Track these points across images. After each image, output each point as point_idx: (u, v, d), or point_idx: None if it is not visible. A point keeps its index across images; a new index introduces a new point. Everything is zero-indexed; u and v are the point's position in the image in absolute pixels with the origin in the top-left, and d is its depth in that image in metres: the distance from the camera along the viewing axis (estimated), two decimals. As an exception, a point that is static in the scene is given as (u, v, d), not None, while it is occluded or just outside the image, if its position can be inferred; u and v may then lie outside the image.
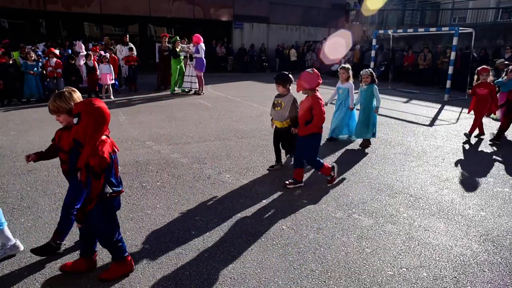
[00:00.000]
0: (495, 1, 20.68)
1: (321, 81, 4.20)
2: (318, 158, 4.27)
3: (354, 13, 24.56)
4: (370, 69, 5.98)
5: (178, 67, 11.59)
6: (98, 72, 10.45)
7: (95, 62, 10.51)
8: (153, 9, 18.48)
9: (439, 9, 23.91)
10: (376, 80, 5.94)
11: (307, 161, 4.29)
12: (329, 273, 2.70)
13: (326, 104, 5.71)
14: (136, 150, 5.62)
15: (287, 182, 4.31)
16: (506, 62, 9.91)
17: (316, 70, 4.31)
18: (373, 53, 14.16)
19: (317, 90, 4.20)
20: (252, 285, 2.55)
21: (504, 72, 9.10)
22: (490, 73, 6.74)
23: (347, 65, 6.41)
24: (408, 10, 23.73)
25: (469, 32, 12.07)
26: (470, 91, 6.97)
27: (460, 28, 11.59)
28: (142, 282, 2.55)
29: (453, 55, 11.11)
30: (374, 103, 5.91)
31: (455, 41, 11.03)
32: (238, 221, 3.45)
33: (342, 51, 18.73)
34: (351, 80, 6.24)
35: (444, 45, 15.80)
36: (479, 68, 6.62)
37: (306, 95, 4.23)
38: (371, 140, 6.04)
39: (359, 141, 6.27)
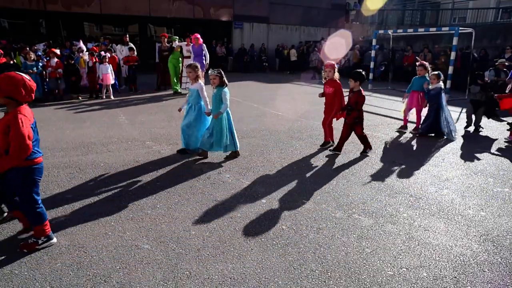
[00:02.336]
0: (495, 1, 20.68)
1: (30, 90, 2.76)
2: (39, 207, 2.87)
3: (354, 13, 24.55)
4: (218, 69, 5.04)
5: (176, 67, 11.54)
6: (97, 74, 10.47)
7: (94, 64, 10.54)
8: (153, 9, 18.46)
9: (439, 9, 23.91)
10: (227, 82, 5.02)
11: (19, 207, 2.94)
12: (329, 273, 2.70)
13: (179, 110, 5.40)
14: (136, 150, 5.62)
15: None
16: (506, 63, 9.91)
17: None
18: (373, 53, 14.16)
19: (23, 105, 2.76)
20: (252, 285, 2.55)
21: (504, 73, 9.10)
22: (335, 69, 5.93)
23: (196, 63, 5.35)
24: (408, 10, 23.73)
25: (469, 32, 12.07)
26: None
27: (460, 28, 11.59)
28: (142, 282, 2.55)
29: (453, 55, 11.11)
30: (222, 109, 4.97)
31: (455, 41, 11.03)
32: (238, 221, 3.45)
33: (342, 51, 18.72)
34: (201, 80, 5.22)
35: (444, 45, 15.80)
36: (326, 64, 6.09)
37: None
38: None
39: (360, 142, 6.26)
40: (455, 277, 2.68)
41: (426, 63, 7.08)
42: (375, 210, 3.74)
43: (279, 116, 8.42)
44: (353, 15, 24.64)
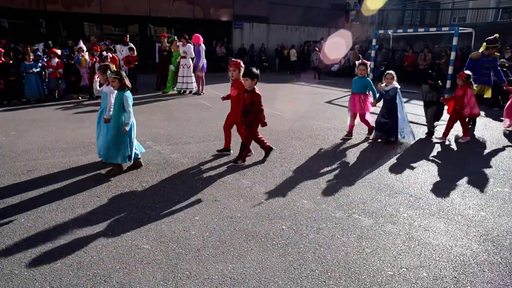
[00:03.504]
0: (495, 1, 20.68)
1: None
2: None
3: (354, 13, 24.56)
4: (117, 71, 4.62)
5: (174, 67, 11.54)
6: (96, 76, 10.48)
7: (93, 63, 10.56)
8: (153, 9, 18.47)
9: (439, 9, 23.91)
10: (129, 85, 4.59)
11: None
12: (329, 273, 2.70)
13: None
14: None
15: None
16: (506, 64, 9.91)
17: None
18: (373, 53, 14.16)
19: None
20: (252, 285, 2.55)
21: (504, 73, 9.11)
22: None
23: (107, 64, 4.88)
24: (408, 10, 23.73)
25: (469, 32, 12.07)
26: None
27: (460, 28, 11.59)
28: (142, 282, 2.55)
29: (453, 55, 11.10)
30: (124, 117, 4.48)
31: (455, 41, 11.02)
32: (238, 221, 3.45)
33: (342, 51, 18.73)
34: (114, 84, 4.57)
35: (444, 45, 15.80)
36: None
37: None
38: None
39: (360, 141, 6.27)
40: (455, 277, 2.68)
41: (368, 62, 6.51)
42: (375, 210, 3.74)
43: (279, 116, 8.42)
44: (353, 15, 24.64)
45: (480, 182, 4.57)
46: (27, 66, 9.58)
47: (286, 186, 4.30)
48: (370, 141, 6.38)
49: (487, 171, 5.00)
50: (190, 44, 11.27)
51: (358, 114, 6.48)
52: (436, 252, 2.99)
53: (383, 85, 6.25)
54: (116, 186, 4.21)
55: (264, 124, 4.99)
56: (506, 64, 10.48)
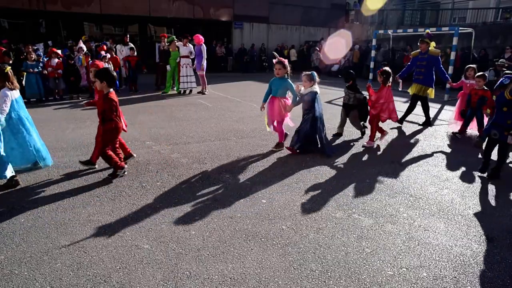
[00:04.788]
0: (495, 1, 20.67)
1: None
2: None
3: (353, 13, 24.57)
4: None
5: (174, 68, 11.55)
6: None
7: (88, 63, 10.57)
8: (153, 9, 18.48)
9: (439, 9, 23.91)
10: (11, 85, 4.10)
11: None
12: (329, 273, 2.70)
13: None
14: (136, 150, 5.62)
15: None
16: (506, 64, 9.91)
17: None
18: (373, 53, 14.16)
19: None
20: (252, 285, 2.55)
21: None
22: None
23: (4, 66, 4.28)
24: (408, 10, 23.74)
25: (469, 32, 12.07)
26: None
27: (460, 28, 11.59)
28: (142, 282, 2.55)
29: (453, 55, 11.11)
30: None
31: (455, 41, 11.03)
32: (238, 221, 3.45)
33: (342, 51, 18.73)
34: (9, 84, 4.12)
35: (444, 45, 15.80)
36: None
37: None
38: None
39: (359, 142, 6.26)
40: (455, 277, 2.68)
41: (285, 61, 5.54)
42: (375, 210, 3.74)
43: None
44: (352, 15, 24.65)
45: (480, 182, 4.57)
46: (29, 66, 9.58)
47: (286, 186, 4.30)
48: (288, 152, 5.54)
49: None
50: (190, 45, 11.30)
51: (276, 121, 5.64)
52: (436, 252, 2.99)
53: (301, 88, 5.52)
54: (116, 186, 4.21)
55: (115, 132, 4.31)
56: (506, 65, 10.48)
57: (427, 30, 7.67)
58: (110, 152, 4.34)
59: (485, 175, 4.74)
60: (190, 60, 11.26)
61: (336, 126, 6.81)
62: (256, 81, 15.69)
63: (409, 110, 7.61)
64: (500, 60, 9.85)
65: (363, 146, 6.01)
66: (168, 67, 11.45)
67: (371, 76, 13.84)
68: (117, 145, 4.53)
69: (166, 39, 11.92)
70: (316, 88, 5.44)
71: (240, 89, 13.39)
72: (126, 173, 4.53)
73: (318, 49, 19.69)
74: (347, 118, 6.57)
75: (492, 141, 4.74)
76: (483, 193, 4.24)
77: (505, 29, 16.50)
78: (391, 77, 6.00)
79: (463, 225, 3.46)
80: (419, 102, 7.56)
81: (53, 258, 2.80)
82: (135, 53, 11.89)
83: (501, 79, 4.83)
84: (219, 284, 2.56)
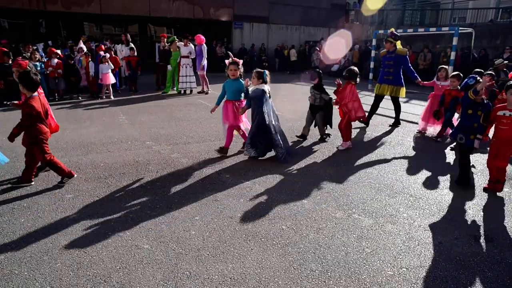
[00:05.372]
0: (495, 1, 20.68)
1: None
2: None
3: (353, 13, 24.57)
4: None
5: (174, 67, 11.54)
6: (91, 73, 10.55)
7: (87, 63, 10.59)
8: (153, 9, 18.48)
9: (439, 9, 23.92)
10: None
11: None
12: (329, 273, 2.70)
13: None
14: (136, 150, 5.62)
15: None
16: (505, 62, 9.90)
17: None
18: (373, 53, 14.17)
19: None
20: (252, 285, 2.55)
21: (504, 73, 9.09)
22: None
23: None
24: (408, 10, 23.75)
25: (469, 32, 12.08)
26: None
27: (460, 28, 11.60)
28: (142, 282, 2.55)
29: (453, 55, 11.12)
30: None
31: (455, 41, 11.04)
32: (238, 221, 3.45)
33: (342, 51, 18.73)
34: None
35: (444, 45, 15.81)
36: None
37: None
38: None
39: (359, 142, 6.25)
40: (455, 277, 2.68)
41: (240, 61, 5.30)
42: (375, 210, 3.74)
43: (279, 115, 8.40)
44: (353, 15, 24.67)
45: (480, 182, 4.57)
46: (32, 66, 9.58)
47: (286, 186, 4.30)
48: (245, 155, 5.24)
49: (487, 171, 4.99)
50: (191, 44, 11.31)
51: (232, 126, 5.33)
52: (436, 252, 2.99)
53: (249, 83, 5.12)
54: (116, 186, 4.21)
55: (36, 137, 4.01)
56: (506, 63, 10.47)
57: (391, 29, 7.41)
58: (55, 159, 4.16)
59: (461, 186, 4.37)
60: (190, 60, 11.27)
61: (302, 127, 6.49)
62: (256, 81, 15.67)
63: (373, 111, 7.50)
64: (499, 60, 9.83)
65: (337, 147, 5.86)
66: (169, 67, 11.45)
67: (371, 76, 13.85)
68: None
69: (166, 39, 11.93)
70: (265, 87, 5.02)
71: (240, 89, 13.37)
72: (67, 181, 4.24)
73: (318, 49, 19.68)
74: (314, 120, 6.32)
75: (461, 146, 4.40)
76: (483, 193, 4.23)
77: (505, 29, 16.51)
78: (356, 77, 5.71)
79: (463, 225, 3.46)
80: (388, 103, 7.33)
81: (53, 258, 2.80)
82: (135, 53, 11.89)
83: (466, 80, 4.43)
84: (219, 284, 2.56)
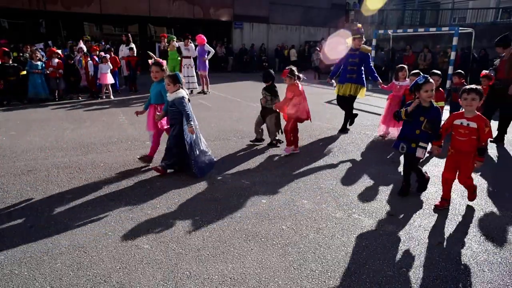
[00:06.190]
0: (495, 1, 20.68)
1: None
2: None
3: (353, 13, 24.59)
4: None
5: (174, 67, 11.53)
6: (90, 73, 10.57)
7: (87, 63, 10.60)
8: (153, 9, 18.50)
9: (439, 9, 23.94)
10: None
11: None
12: (329, 273, 2.70)
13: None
14: (136, 150, 5.62)
15: None
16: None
17: None
18: (373, 53, 14.17)
19: None
20: (252, 285, 2.55)
21: None
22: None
23: None
24: (408, 10, 23.76)
25: (469, 32, 12.08)
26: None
27: (460, 28, 11.60)
28: (142, 282, 2.55)
29: (453, 55, 11.13)
30: None
31: (455, 41, 11.05)
32: (238, 221, 3.45)
33: (342, 51, 18.72)
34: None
35: (444, 45, 15.81)
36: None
37: None
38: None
39: (359, 142, 6.26)
40: (455, 277, 2.68)
41: (164, 62, 4.83)
42: (375, 210, 3.74)
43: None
44: (353, 15, 24.68)
45: (480, 182, 4.57)
46: (33, 66, 9.59)
47: (286, 186, 4.30)
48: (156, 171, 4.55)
49: (487, 171, 5.00)
50: (192, 44, 11.31)
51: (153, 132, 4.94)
52: (436, 252, 2.99)
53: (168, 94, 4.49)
54: (116, 186, 4.21)
55: None
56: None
57: (358, 25, 6.98)
58: None
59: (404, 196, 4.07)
60: (192, 60, 11.28)
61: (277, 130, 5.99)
62: (256, 81, 15.68)
63: (350, 114, 6.99)
64: (497, 61, 9.82)
65: (282, 154, 5.49)
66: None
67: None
68: None
69: (166, 39, 11.94)
70: (182, 92, 4.43)
71: (240, 89, 13.40)
72: None
73: (318, 49, 19.69)
74: (265, 123, 5.89)
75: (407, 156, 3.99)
76: (483, 193, 4.23)
77: (505, 29, 16.50)
78: (295, 75, 5.41)
79: (463, 225, 3.46)
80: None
81: (53, 258, 2.80)
82: (135, 53, 11.89)
83: (416, 79, 3.81)
84: (219, 284, 2.56)
